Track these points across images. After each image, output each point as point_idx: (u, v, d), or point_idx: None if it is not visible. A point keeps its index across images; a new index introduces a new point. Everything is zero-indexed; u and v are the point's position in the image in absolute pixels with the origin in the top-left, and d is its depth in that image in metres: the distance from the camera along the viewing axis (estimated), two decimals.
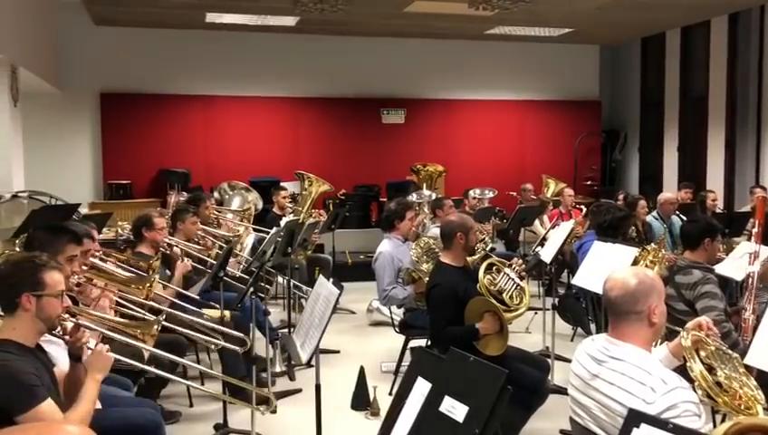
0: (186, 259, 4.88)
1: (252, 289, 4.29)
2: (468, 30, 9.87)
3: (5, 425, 2.32)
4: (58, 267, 2.54)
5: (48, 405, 2.36)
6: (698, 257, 3.97)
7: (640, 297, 2.25)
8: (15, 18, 6.91)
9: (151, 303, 3.51)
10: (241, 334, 3.64)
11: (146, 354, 3.04)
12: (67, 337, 2.54)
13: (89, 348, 2.61)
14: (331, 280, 3.08)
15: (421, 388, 1.99)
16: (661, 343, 2.59)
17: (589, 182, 11.37)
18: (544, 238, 6.18)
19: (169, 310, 3.63)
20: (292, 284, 5.91)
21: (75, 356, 2.60)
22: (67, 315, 2.54)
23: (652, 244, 5.24)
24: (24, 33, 7.32)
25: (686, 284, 3.82)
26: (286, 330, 5.86)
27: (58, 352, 2.73)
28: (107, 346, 2.60)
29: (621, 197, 8.21)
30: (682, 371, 2.31)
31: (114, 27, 9.58)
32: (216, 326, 3.63)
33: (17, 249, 3.72)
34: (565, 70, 11.36)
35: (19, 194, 6.44)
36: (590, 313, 4.92)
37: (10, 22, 6.66)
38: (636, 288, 2.26)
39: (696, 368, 2.26)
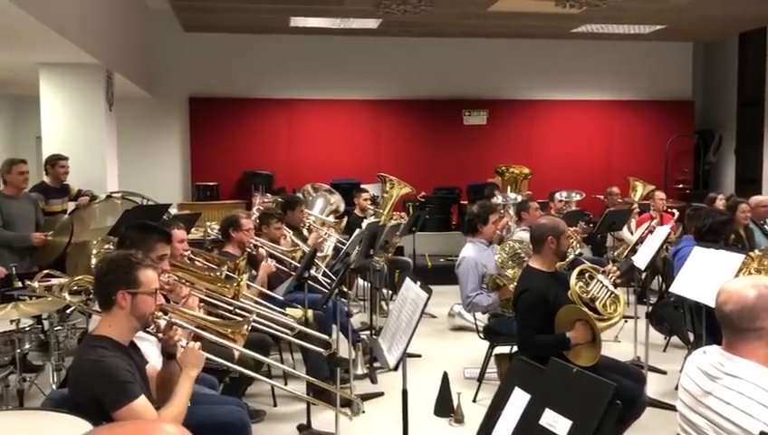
0: (270, 260, 4.93)
1: (337, 290, 4.27)
2: (554, 29, 9.62)
3: (102, 419, 2.36)
4: (152, 265, 2.58)
5: (142, 402, 2.39)
6: None
7: (760, 312, 2.03)
8: (111, 27, 7.21)
9: (239, 302, 3.53)
10: (325, 336, 3.62)
11: (236, 354, 3.05)
12: (160, 334, 2.57)
13: (181, 346, 2.63)
14: (419, 283, 2.99)
15: (519, 399, 1.90)
16: None
17: (680, 186, 10.87)
18: (636, 244, 5.91)
19: (257, 308, 3.65)
20: (372, 286, 5.89)
21: (168, 354, 2.63)
22: (160, 313, 2.56)
23: (756, 250, 4.92)
24: (119, 40, 7.62)
25: None
26: (368, 332, 5.84)
27: (150, 350, 2.77)
28: (198, 343, 2.62)
29: (720, 198, 7.73)
30: None
31: (202, 33, 9.85)
32: (302, 327, 3.63)
33: (112, 247, 3.82)
34: (656, 68, 10.91)
35: (113, 194, 6.70)
36: (689, 322, 4.65)
37: (106, 30, 6.95)
38: (755, 302, 2.03)
39: None
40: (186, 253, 4.16)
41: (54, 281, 3.55)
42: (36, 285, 3.30)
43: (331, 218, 6.79)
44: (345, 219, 7.29)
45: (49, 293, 3.38)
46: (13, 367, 3.85)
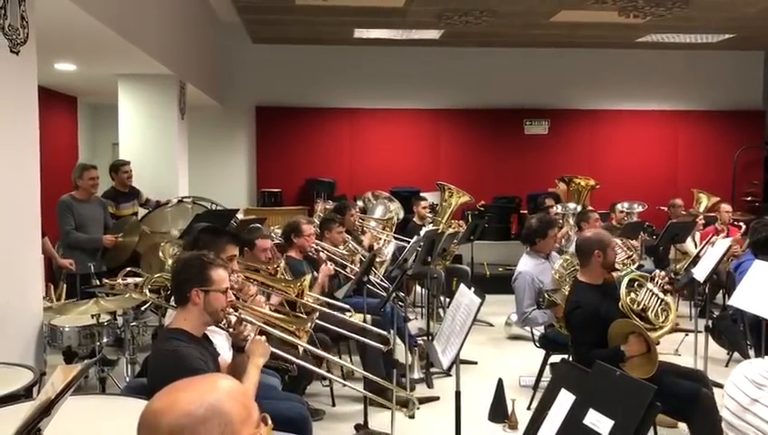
0: (329, 263, 5.10)
1: (394, 294, 4.40)
2: (617, 38, 9.54)
3: None
4: (224, 265, 2.77)
5: None
6: None
7: None
8: (185, 40, 7.57)
9: (303, 301, 3.71)
10: (384, 332, 3.75)
11: (299, 350, 3.22)
12: (231, 329, 2.76)
13: (248, 339, 2.81)
14: (473, 289, 3.10)
15: (564, 400, 1.98)
16: None
17: (749, 198, 10.58)
18: (697, 257, 5.84)
19: (320, 307, 3.83)
20: (430, 293, 6.00)
21: (238, 347, 2.82)
22: (231, 309, 2.76)
23: None
24: (191, 52, 7.99)
25: None
26: (425, 338, 5.95)
27: (222, 343, 2.97)
28: (264, 336, 2.80)
29: None
30: None
31: (270, 45, 10.18)
32: (362, 324, 3.78)
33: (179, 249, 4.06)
34: (724, 78, 10.68)
35: (184, 199, 7.02)
36: (749, 336, 4.59)
37: (179, 43, 7.31)
38: None
39: None
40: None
41: (130, 280, 3.82)
42: (120, 281, 3.55)
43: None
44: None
45: (129, 290, 3.63)
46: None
